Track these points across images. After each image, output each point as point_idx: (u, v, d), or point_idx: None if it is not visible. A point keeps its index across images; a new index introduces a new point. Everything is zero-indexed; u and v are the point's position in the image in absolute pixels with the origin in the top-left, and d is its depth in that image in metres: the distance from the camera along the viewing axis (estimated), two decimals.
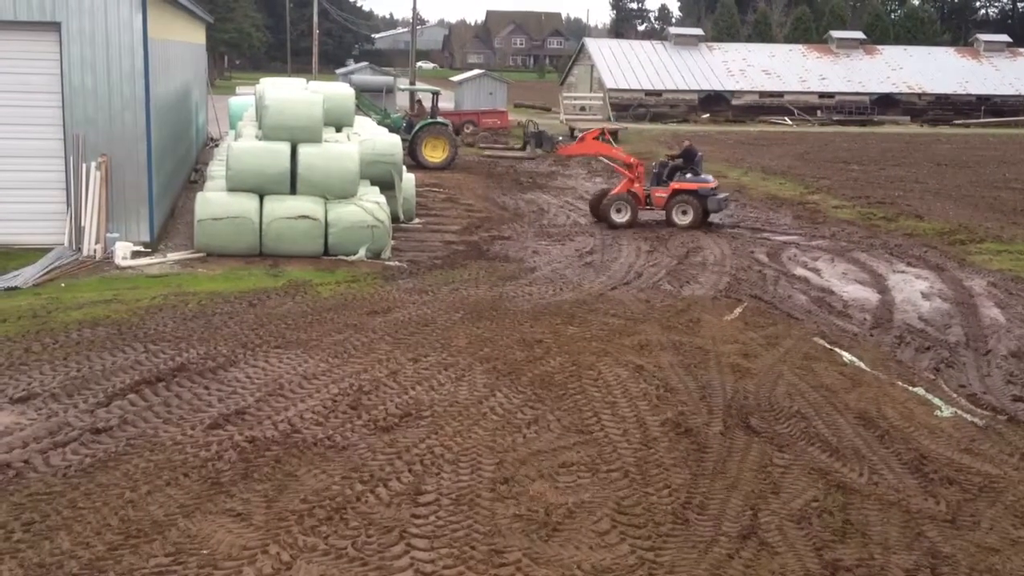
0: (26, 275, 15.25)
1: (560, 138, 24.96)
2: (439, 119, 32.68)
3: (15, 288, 14.66)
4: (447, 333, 12.90)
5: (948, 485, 8.97)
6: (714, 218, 22.55)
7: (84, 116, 16.88)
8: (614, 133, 45.10)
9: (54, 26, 16.62)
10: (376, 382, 10.89)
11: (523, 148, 24.61)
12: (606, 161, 24.74)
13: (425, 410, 10.11)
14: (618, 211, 21.85)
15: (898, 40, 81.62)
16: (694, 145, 23.37)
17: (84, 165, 16.83)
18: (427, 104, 35.44)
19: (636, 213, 21.93)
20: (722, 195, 22.63)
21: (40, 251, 16.59)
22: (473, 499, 8.17)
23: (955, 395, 11.60)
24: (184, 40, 25.98)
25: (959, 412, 10.97)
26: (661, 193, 22.06)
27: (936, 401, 11.30)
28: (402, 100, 50.57)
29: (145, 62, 16.98)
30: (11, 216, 16.89)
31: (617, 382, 11.21)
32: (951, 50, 71.74)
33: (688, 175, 22.14)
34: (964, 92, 63.89)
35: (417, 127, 31.27)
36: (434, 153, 31.16)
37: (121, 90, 16.95)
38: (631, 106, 59.48)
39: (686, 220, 21.91)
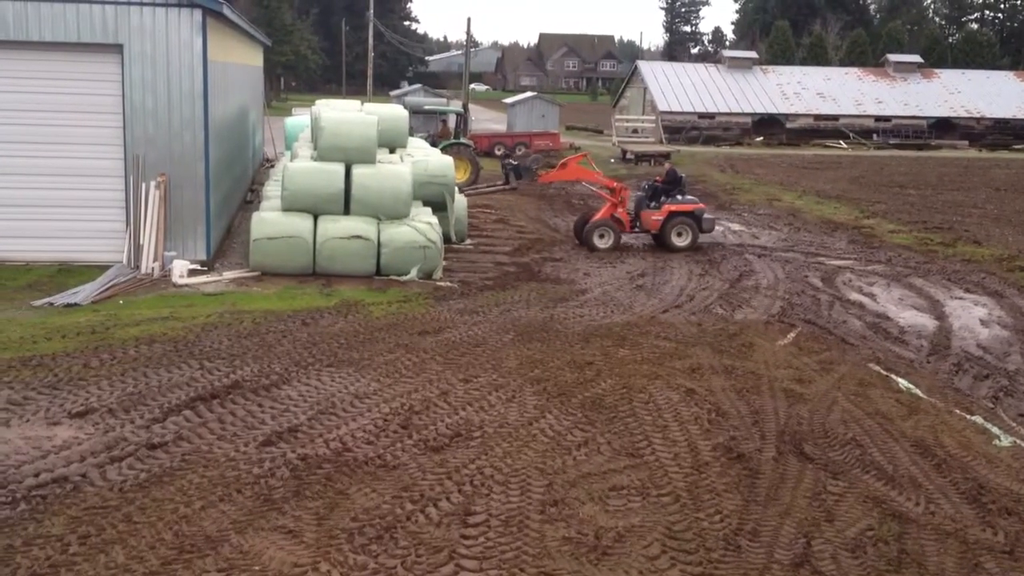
0: (86, 292, 15.53)
1: (537, 167, 24.98)
2: (462, 140, 32.81)
3: (75, 305, 14.93)
4: (498, 354, 12.91)
5: (1007, 516, 8.79)
6: (704, 238, 22.49)
7: (144, 136, 17.20)
8: (666, 155, 45.17)
9: (117, 48, 16.98)
10: (427, 402, 10.93)
11: (505, 182, 24.80)
12: (588, 186, 24.55)
13: (475, 431, 10.12)
14: (601, 236, 21.72)
15: (956, 64, 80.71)
16: (676, 168, 23.25)
17: (143, 184, 17.13)
18: (451, 125, 35.57)
19: (619, 238, 21.85)
20: (710, 216, 22.55)
21: (99, 268, 16.89)
22: (523, 521, 8.15)
23: (1014, 424, 11.39)
24: (242, 62, 26.39)
25: (1018, 441, 10.76)
26: (657, 216, 21.91)
27: (994, 430, 11.09)
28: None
29: (204, 83, 17.28)
30: (72, 233, 17.25)
31: (668, 405, 11.13)
32: (1010, 74, 70.68)
33: (678, 197, 22.05)
34: (1023, 116, 62.88)
35: (439, 148, 31.25)
36: (456, 174, 31.12)
37: (181, 111, 17.26)
38: (684, 129, 59.33)
39: (684, 242, 21.79)
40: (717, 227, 25.27)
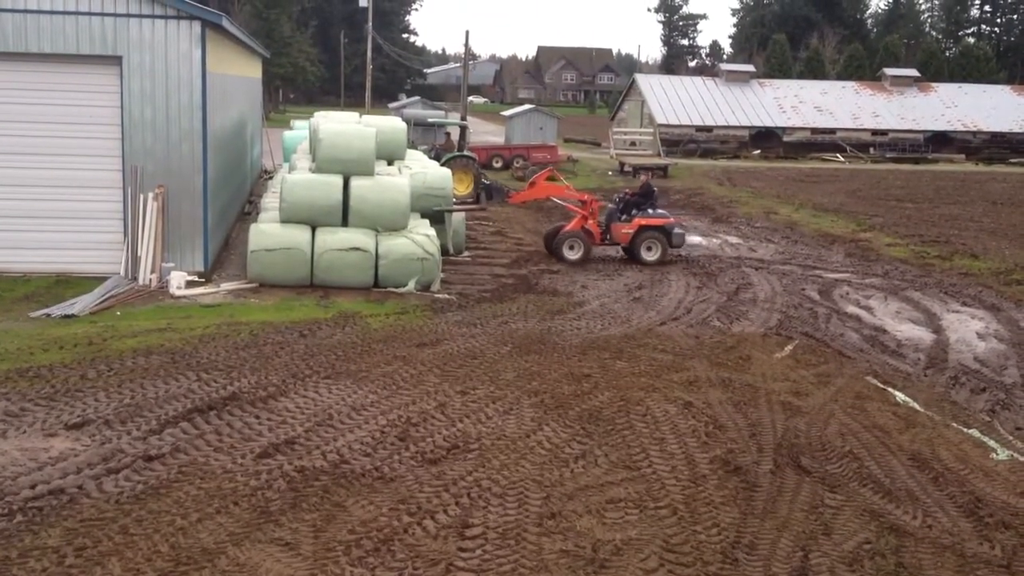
0: (83, 303, 15.51)
1: (508, 189, 25.16)
2: (466, 152, 32.95)
3: (72, 316, 14.92)
4: (495, 366, 12.91)
5: (1004, 529, 8.79)
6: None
7: (143, 148, 17.21)
8: (664, 168, 45.18)
9: (116, 60, 17.00)
10: (424, 414, 10.92)
11: (476, 200, 25.12)
12: (558, 202, 24.54)
13: (473, 443, 10.11)
14: (571, 248, 21.72)
15: (953, 78, 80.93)
16: (651, 182, 23.26)
17: (141, 196, 17.14)
18: (455, 137, 35.70)
19: (589, 250, 21.87)
20: (680, 230, 22.58)
21: (97, 280, 16.87)
22: (520, 533, 8.14)
23: (1011, 437, 11.38)
24: (241, 74, 26.43)
25: (1015, 455, 10.76)
26: (627, 229, 21.91)
27: (992, 443, 11.09)
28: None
29: (203, 95, 17.30)
30: (70, 245, 17.24)
31: (666, 418, 11.14)
32: (1007, 88, 70.93)
33: (649, 211, 22.08)
34: (1020, 130, 63.05)
35: (443, 160, 31.31)
36: (459, 186, 31.18)
37: (179, 122, 17.28)
38: (681, 142, 59.44)
39: (653, 256, 21.78)
40: (714, 240, 25.32)
